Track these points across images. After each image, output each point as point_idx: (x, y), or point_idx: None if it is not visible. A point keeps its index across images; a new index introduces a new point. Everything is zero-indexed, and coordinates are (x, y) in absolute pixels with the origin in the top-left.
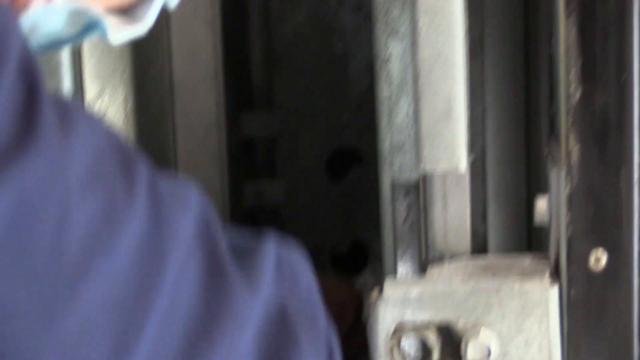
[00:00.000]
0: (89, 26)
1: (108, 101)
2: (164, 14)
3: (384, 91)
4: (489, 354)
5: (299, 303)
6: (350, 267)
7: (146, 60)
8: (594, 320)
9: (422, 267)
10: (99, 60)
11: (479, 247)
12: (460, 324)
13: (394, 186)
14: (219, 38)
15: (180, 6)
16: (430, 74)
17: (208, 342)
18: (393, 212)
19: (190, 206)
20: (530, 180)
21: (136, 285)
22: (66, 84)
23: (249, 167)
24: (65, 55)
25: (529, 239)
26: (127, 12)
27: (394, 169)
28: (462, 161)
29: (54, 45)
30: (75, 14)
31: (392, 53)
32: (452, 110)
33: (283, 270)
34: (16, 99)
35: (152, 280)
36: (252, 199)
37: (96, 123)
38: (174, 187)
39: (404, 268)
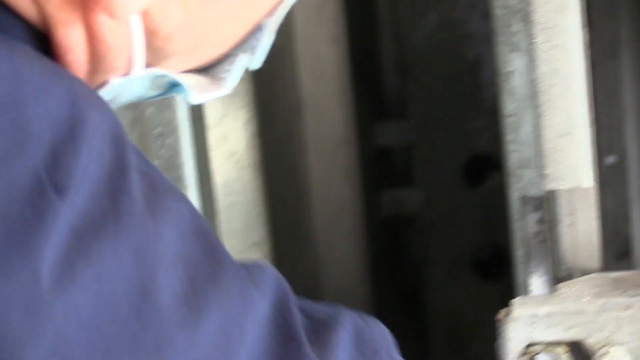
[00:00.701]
0: (171, 85)
1: (230, 125)
2: (287, 32)
3: (508, 106)
4: None
5: None
6: (491, 272)
7: (270, 80)
8: None
9: (554, 282)
10: None
11: (622, 248)
12: (590, 342)
13: (523, 200)
14: (346, 52)
15: (304, 23)
16: (550, 92)
17: None
18: (523, 227)
19: (267, 289)
20: None
21: (223, 352)
22: (181, 113)
23: (386, 176)
24: None
25: None
26: (206, 71)
27: (523, 183)
28: (586, 178)
29: (142, 100)
30: (156, 79)
31: (515, 67)
32: (573, 127)
33: (363, 345)
34: (104, 174)
35: (237, 350)
36: (390, 208)
37: (184, 199)
38: (252, 269)
39: (536, 282)
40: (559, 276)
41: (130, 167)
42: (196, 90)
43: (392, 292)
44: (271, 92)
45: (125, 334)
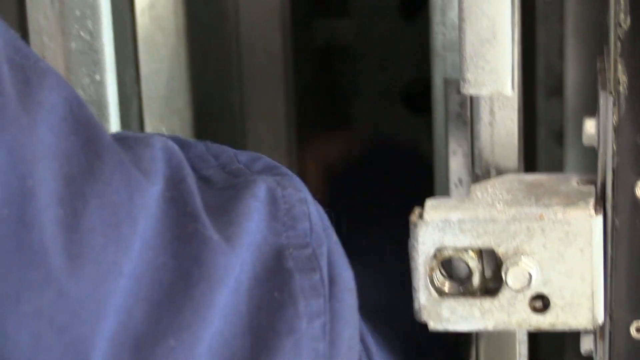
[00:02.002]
0: None
1: None
2: None
3: None
4: (529, 281)
5: (303, 245)
6: (421, 105)
7: None
8: (638, 250)
9: (472, 177)
10: None
11: (554, 86)
12: (501, 250)
13: (446, 83)
14: None
15: None
16: None
17: (182, 306)
18: (445, 108)
19: (155, 167)
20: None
21: (106, 254)
22: None
23: (321, 6)
24: None
25: None
26: None
27: (447, 66)
28: (507, 86)
29: None
30: None
31: None
32: (497, 32)
33: (281, 208)
34: None
35: (121, 247)
36: (324, 38)
37: (60, 89)
38: (138, 149)
39: (455, 164)
40: (475, 172)
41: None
42: None
43: (322, 125)
44: None
45: (8, 238)
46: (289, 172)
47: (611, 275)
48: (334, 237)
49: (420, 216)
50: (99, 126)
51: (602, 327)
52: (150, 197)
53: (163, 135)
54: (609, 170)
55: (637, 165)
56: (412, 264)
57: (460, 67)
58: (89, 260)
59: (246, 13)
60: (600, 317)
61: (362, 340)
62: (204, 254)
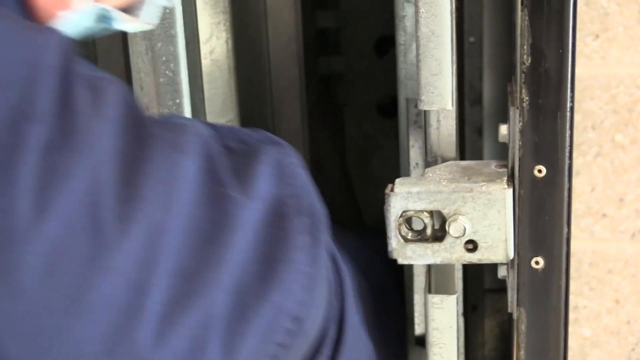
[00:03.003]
0: (106, 19)
1: (215, 42)
2: None
3: (401, 38)
4: (464, 231)
5: (296, 196)
6: (390, 112)
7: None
8: (535, 212)
9: (424, 164)
10: None
11: (476, 98)
12: (445, 211)
13: (408, 101)
14: None
15: None
16: (427, 45)
17: (214, 245)
18: (407, 119)
19: (191, 147)
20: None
21: (155, 214)
22: (181, 45)
23: (323, 48)
24: None
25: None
26: (129, 10)
27: (408, 89)
28: (448, 103)
29: (90, 34)
30: (100, 16)
31: (407, 12)
32: (442, 69)
33: (282, 171)
34: (55, 103)
35: (167, 208)
36: (325, 69)
37: (118, 89)
38: (177, 131)
39: (414, 154)
40: (428, 160)
41: (73, 86)
42: (124, 22)
43: (324, 125)
44: (243, 21)
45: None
46: (284, 142)
47: (518, 227)
48: (313, 190)
49: (392, 189)
50: (146, 118)
51: (512, 261)
52: (190, 170)
53: (200, 122)
54: (516, 159)
55: (534, 156)
56: (386, 221)
57: (417, 91)
58: (142, 224)
59: (275, 53)
60: (511, 254)
61: (333, 258)
62: (229, 209)
